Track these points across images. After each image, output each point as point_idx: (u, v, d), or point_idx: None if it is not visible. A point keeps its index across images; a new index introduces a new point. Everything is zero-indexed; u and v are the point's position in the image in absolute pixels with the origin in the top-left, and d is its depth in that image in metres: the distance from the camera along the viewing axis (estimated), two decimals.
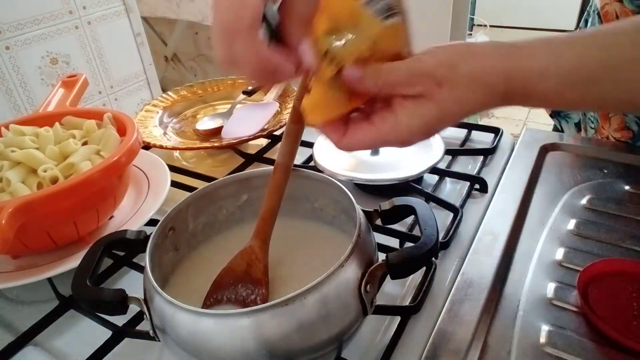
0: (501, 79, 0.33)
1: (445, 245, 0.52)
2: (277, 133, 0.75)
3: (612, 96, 0.34)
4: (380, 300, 0.40)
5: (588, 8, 0.75)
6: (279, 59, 0.33)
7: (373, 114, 0.35)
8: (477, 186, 0.62)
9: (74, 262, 0.49)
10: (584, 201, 0.56)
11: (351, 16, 0.33)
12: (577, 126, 0.79)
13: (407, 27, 0.34)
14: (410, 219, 0.55)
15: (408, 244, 0.52)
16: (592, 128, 0.73)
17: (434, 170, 0.62)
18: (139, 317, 0.46)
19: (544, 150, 0.66)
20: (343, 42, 0.33)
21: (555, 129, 0.85)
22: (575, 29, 0.75)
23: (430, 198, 0.59)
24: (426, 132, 0.34)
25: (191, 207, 0.46)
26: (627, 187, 0.58)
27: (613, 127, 0.68)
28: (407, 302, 0.46)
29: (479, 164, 0.67)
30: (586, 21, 0.76)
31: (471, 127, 0.75)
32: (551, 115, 0.84)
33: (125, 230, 0.42)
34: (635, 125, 0.65)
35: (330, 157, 0.63)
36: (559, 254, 0.49)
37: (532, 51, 0.33)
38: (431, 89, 0.32)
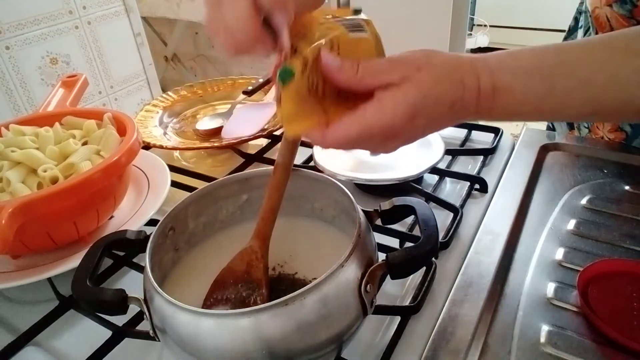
0: (472, 71, 0.35)
1: (445, 245, 0.52)
2: (277, 133, 0.75)
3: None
4: (380, 300, 0.40)
5: (579, 6, 0.74)
6: (263, 30, 0.34)
7: (356, 107, 0.35)
8: (477, 186, 0.62)
9: (74, 262, 0.49)
10: (583, 201, 0.56)
11: (324, 26, 0.36)
12: (570, 125, 0.79)
13: (376, 45, 0.37)
14: (410, 219, 0.55)
15: (408, 244, 0.52)
16: (585, 127, 0.73)
17: (434, 170, 0.62)
18: (139, 317, 0.46)
19: (544, 150, 0.66)
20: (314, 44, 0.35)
21: (548, 127, 0.85)
22: None
23: (430, 198, 0.59)
24: (411, 116, 0.34)
25: (191, 207, 0.46)
26: (626, 187, 0.58)
27: (607, 128, 0.68)
28: (407, 302, 0.46)
29: (479, 164, 0.66)
30: (576, 19, 0.75)
31: (471, 127, 0.75)
32: None
33: (125, 230, 0.42)
34: (628, 126, 0.65)
35: (330, 157, 0.63)
36: (559, 254, 0.49)
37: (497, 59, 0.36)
38: (412, 73, 0.34)
